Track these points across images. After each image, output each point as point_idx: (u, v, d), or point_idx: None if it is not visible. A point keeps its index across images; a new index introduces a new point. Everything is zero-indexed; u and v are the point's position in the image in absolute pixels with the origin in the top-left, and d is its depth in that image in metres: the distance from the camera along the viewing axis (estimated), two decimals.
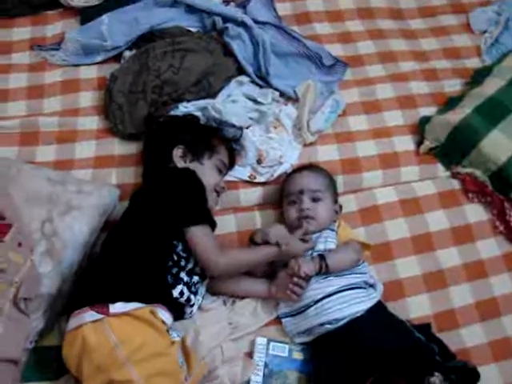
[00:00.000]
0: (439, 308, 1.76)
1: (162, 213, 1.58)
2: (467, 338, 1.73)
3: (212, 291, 1.73)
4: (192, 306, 1.62)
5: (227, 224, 1.85)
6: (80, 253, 1.67)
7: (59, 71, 2.16)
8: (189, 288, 1.59)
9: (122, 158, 1.96)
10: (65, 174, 1.84)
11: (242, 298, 1.74)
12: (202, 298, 1.68)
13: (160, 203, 1.59)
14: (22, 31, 2.26)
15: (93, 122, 2.03)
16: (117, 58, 2.15)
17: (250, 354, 1.66)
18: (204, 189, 1.65)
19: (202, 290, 1.67)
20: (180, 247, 1.58)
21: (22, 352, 1.51)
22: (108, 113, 2.00)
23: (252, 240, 1.70)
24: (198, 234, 1.57)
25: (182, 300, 1.56)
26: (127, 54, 2.12)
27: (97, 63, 2.16)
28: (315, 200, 1.75)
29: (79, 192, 1.74)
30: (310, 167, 1.86)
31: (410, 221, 1.88)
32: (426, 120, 2.02)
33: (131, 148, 1.96)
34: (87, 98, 2.09)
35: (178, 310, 1.60)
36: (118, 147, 1.98)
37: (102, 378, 1.38)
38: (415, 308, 1.75)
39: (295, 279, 1.62)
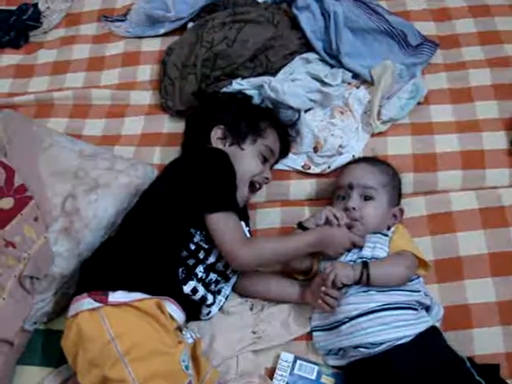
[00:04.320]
0: None
1: (181, 196, 1.44)
2: None
3: (239, 292, 1.58)
4: (209, 306, 1.47)
5: (270, 218, 1.70)
6: (102, 235, 1.57)
7: (122, 43, 2.13)
8: (205, 286, 1.45)
9: (169, 136, 1.87)
10: (100, 148, 1.75)
11: (274, 303, 1.54)
12: (226, 299, 1.52)
13: (180, 185, 1.46)
14: (92, 2, 2.27)
15: (146, 97, 1.98)
16: (181, 30, 2.06)
17: (272, 371, 1.44)
18: (235, 174, 1.48)
19: (226, 290, 1.54)
20: (199, 237, 1.44)
21: (18, 333, 1.43)
22: (160, 88, 1.91)
23: (300, 225, 1.51)
24: (219, 222, 1.42)
25: (196, 298, 1.43)
26: (190, 25, 2.01)
27: (160, 36, 2.09)
28: (366, 198, 1.50)
29: (110, 169, 1.64)
30: (370, 159, 1.62)
31: (490, 235, 1.58)
32: None
33: (180, 126, 1.83)
34: (145, 72, 2.04)
35: (193, 309, 1.46)
36: (167, 125, 1.91)
37: (96, 373, 1.28)
38: (483, 343, 1.46)
39: (324, 288, 1.38)
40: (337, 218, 1.46)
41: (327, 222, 1.48)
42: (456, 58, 1.94)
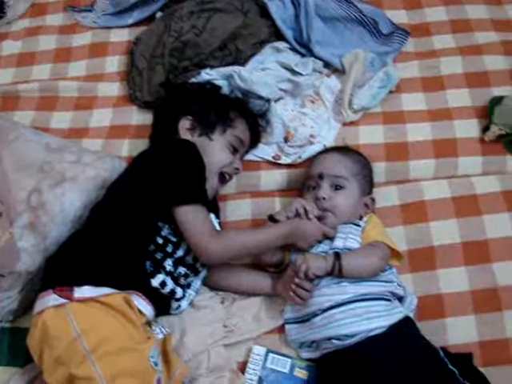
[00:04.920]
0: (488, 335, 1.43)
1: (148, 188, 1.39)
2: None
3: (210, 285, 1.54)
4: (179, 300, 1.44)
5: (241, 210, 1.66)
6: (69, 229, 1.52)
7: (89, 34, 2.09)
8: (174, 279, 1.42)
9: (138, 128, 1.83)
10: (67, 142, 1.70)
11: (245, 296, 1.51)
12: (196, 292, 1.49)
13: (147, 178, 1.41)
14: None
15: (114, 89, 1.94)
16: (150, 20, 2.01)
17: (244, 365, 1.41)
18: (203, 166, 1.44)
19: (196, 283, 1.50)
20: (167, 230, 1.41)
21: None
22: (128, 79, 1.87)
23: (271, 218, 1.47)
24: (187, 215, 1.37)
25: (165, 292, 1.39)
26: (159, 15, 1.96)
27: (128, 26, 2.05)
28: (337, 188, 1.47)
29: (77, 162, 1.60)
30: (340, 149, 1.59)
31: (463, 223, 1.56)
32: (496, 100, 1.68)
33: (149, 118, 1.77)
34: (113, 63, 2.00)
35: (162, 303, 1.42)
36: (135, 116, 1.87)
37: (62, 371, 1.24)
38: (457, 332, 1.44)
39: (297, 280, 1.35)
40: (306, 211, 1.44)
41: (298, 214, 1.45)
42: (427, 46, 1.92)
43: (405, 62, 1.87)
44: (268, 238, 1.43)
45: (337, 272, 1.35)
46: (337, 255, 1.37)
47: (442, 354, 1.33)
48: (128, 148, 1.77)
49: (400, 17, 1.99)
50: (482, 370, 1.36)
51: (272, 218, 1.47)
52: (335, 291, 1.36)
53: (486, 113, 1.72)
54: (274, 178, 1.70)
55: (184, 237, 1.39)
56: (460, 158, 1.67)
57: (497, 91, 1.76)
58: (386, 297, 1.37)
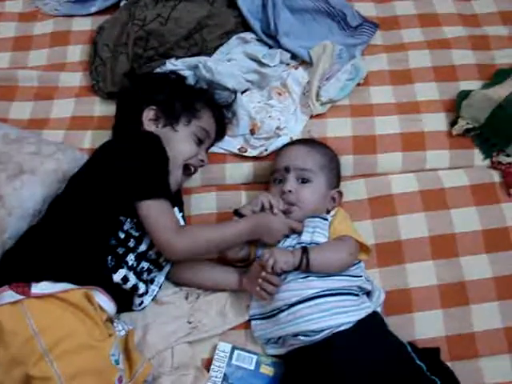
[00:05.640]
0: (455, 330, 1.43)
1: (110, 182, 1.34)
2: (489, 372, 1.38)
3: (174, 280, 1.50)
4: (141, 296, 1.39)
5: (206, 203, 1.61)
6: (28, 223, 1.45)
7: (51, 22, 2.01)
8: (136, 274, 1.36)
9: (101, 119, 1.76)
10: (26, 132, 1.64)
11: (210, 292, 1.47)
12: (159, 288, 1.44)
13: (109, 170, 1.36)
14: None
15: (76, 79, 1.86)
16: (114, 8, 1.95)
17: (209, 362, 1.38)
18: (167, 158, 1.40)
19: (159, 278, 1.45)
20: (129, 224, 1.35)
21: None
22: (91, 69, 1.80)
23: (237, 212, 1.43)
24: (150, 210, 1.32)
25: (127, 287, 1.34)
26: (123, 3, 1.90)
27: (91, 14, 1.98)
28: (303, 181, 1.44)
29: (36, 154, 1.54)
30: (307, 141, 1.56)
31: (430, 217, 1.55)
32: (464, 94, 1.67)
33: (112, 109, 1.69)
34: (75, 53, 1.92)
35: (124, 299, 1.37)
36: (98, 107, 1.80)
37: (18, 371, 1.17)
38: (424, 327, 1.43)
39: (264, 273, 1.32)
40: (271, 205, 1.40)
41: (263, 208, 1.41)
42: (396, 39, 1.91)
43: (373, 55, 1.86)
44: (233, 232, 1.39)
45: (304, 267, 1.32)
46: (304, 249, 1.33)
47: (409, 348, 1.32)
48: (90, 140, 1.71)
49: (368, 9, 1.98)
50: (449, 364, 1.34)
51: (237, 213, 1.44)
52: (302, 286, 1.32)
53: (454, 107, 1.70)
54: (239, 171, 1.66)
55: (147, 232, 1.35)
56: (428, 152, 1.66)
57: (464, 85, 1.75)
58: (353, 291, 1.34)
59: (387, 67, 1.83)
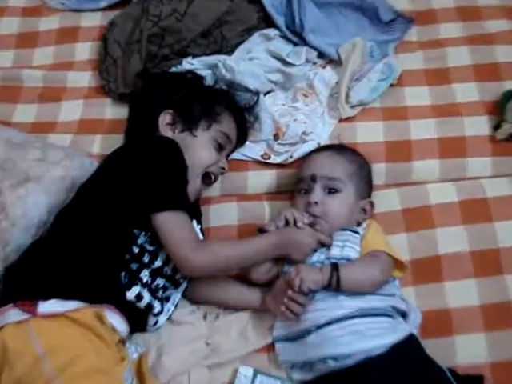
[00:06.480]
0: (501, 356, 1.42)
1: (123, 192, 1.37)
2: None
3: (191, 299, 1.52)
4: (157, 315, 1.41)
5: (226, 214, 1.65)
6: (33, 235, 1.50)
7: (57, 17, 2.09)
8: (151, 292, 1.38)
9: (112, 122, 1.83)
10: (31, 137, 1.69)
11: (230, 311, 1.49)
12: (175, 307, 1.46)
13: (122, 180, 1.39)
14: None
15: (85, 79, 1.94)
16: (125, 3, 2.03)
17: None
18: (186, 167, 1.43)
19: (175, 296, 1.48)
20: (143, 238, 1.38)
21: None
22: (101, 68, 1.86)
23: (261, 230, 1.46)
24: (167, 223, 1.35)
25: (141, 306, 1.36)
26: None
27: (101, 9, 2.05)
28: (330, 191, 1.45)
29: (42, 160, 1.58)
30: (335, 147, 1.58)
31: (472, 230, 1.56)
32: (509, 95, 1.69)
33: (124, 111, 1.75)
34: (84, 50, 2.00)
35: (137, 319, 1.39)
36: (108, 110, 1.87)
37: None
38: (466, 351, 1.43)
39: (290, 292, 1.33)
40: (295, 219, 1.42)
41: (287, 223, 1.43)
42: (433, 35, 1.94)
43: (407, 53, 1.88)
44: (256, 248, 1.41)
45: (334, 285, 1.33)
46: (334, 266, 1.34)
47: (449, 375, 1.32)
48: (100, 145, 1.77)
49: (402, 2, 2.01)
50: None
51: (261, 231, 1.46)
52: (331, 306, 1.33)
53: (497, 109, 1.72)
54: (262, 180, 1.70)
55: (164, 246, 1.37)
56: (468, 159, 1.68)
57: (509, 85, 1.78)
58: (388, 313, 1.34)
59: (423, 66, 1.86)
